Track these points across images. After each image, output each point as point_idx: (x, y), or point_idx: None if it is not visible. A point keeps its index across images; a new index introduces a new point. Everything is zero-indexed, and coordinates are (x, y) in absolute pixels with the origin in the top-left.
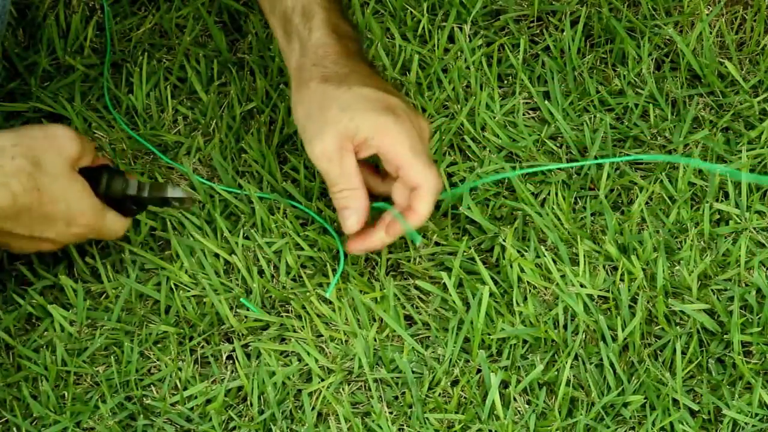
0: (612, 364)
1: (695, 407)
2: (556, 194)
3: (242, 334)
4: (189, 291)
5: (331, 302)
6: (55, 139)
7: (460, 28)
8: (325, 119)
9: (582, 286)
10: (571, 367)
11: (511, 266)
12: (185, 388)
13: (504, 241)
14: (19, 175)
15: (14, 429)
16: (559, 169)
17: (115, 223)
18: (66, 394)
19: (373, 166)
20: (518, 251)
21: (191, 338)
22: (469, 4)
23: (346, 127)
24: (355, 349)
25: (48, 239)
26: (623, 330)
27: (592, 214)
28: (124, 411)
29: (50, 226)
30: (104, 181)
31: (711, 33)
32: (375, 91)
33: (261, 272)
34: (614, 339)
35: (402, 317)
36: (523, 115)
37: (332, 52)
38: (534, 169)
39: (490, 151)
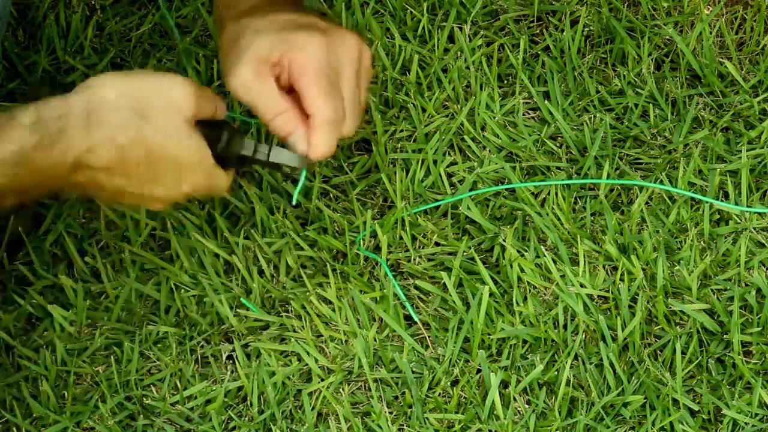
0: (612, 364)
1: (695, 407)
2: (556, 194)
3: (242, 334)
4: (189, 291)
5: (331, 302)
6: (168, 91)
7: (460, 28)
8: (239, 48)
9: (582, 286)
10: (571, 367)
11: (511, 266)
12: (185, 388)
13: (504, 241)
14: (125, 128)
15: (14, 429)
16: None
17: (221, 180)
18: (66, 394)
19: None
20: (518, 251)
21: (191, 338)
22: (469, 4)
23: (258, 48)
24: (355, 349)
25: (157, 198)
26: (623, 330)
27: (592, 214)
28: (124, 411)
29: (159, 183)
30: (224, 139)
31: (711, 33)
32: (290, 14)
33: (261, 272)
34: (614, 339)
35: (402, 317)
36: (523, 115)
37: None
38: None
39: (490, 151)
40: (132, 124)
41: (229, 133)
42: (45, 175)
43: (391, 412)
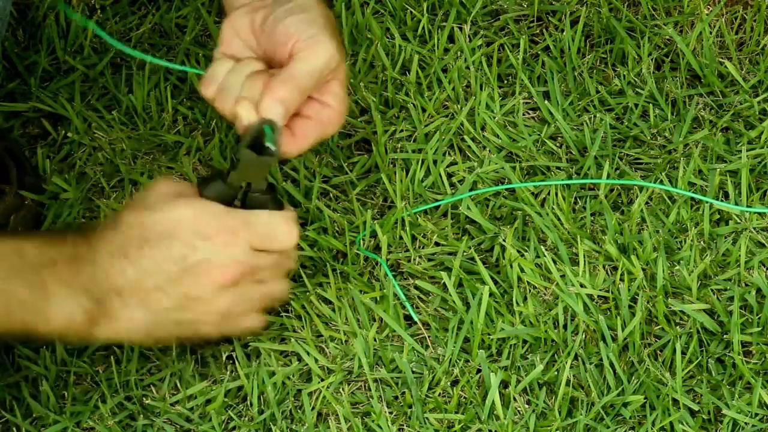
0: (612, 364)
1: (695, 407)
2: (556, 194)
3: None
4: None
5: (331, 302)
6: (171, 203)
7: (460, 28)
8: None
9: (582, 286)
10: (571, 367)
11: (511, 266)
12: (186, 389)
13: (504, 241)
14: (165, 264)
15: (14, 429)
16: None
17: (261, 215)
18: (66, 394)
19: None
20: (518, 251)
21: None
22: (469, 4)
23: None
24: (355, 349)
25: (201, 261)
26: (623, 330)
27: (592, 214)
28: (124, 411)
29: (183, 249)
30: (204, 190)
31: (711, 33)
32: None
33: None
34: (614, 339)
35: (402, 317)
36: (523, 115)
37: None
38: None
39: (489, 151)
40: (171, 258)
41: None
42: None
43: (391, 412)
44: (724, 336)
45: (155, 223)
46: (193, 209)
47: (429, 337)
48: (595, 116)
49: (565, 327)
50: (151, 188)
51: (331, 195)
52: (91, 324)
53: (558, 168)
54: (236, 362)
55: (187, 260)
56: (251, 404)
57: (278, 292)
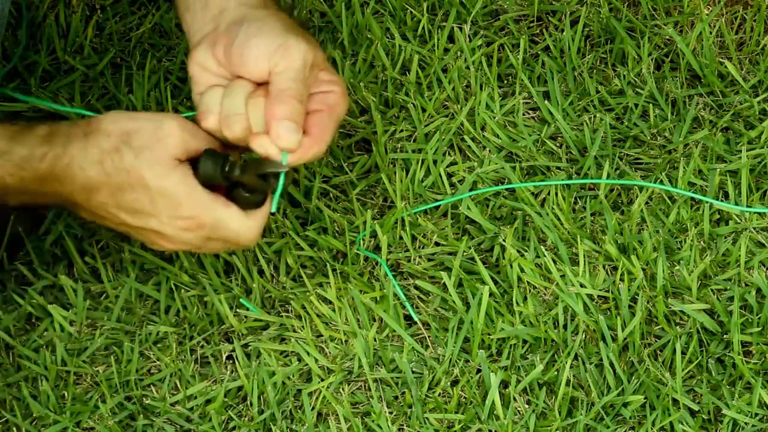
0: (612, 364)
1: (695, 407)
2: (556, 194)
3: (242, 334)
4: (189, 291)
5: (331, 302)
6: (157, 127)
7: (460, 28)
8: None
9: (582, 286)
10: (571, 367)
11: (511, 266)
12: (186, 389)
13: (504, 241)
14: (110, 153)
15: (14, 429)
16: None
17: (234, 221)
18: (66, 394)
19: None
20: (518, 251)
21: (191, 338)
22: (469, 4)
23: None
24: (355, 349)
25: (155, 231)
26: (623, 330)
27: (592, 214)
28: (124, 411)
29: (151, 215)
30: (200, 163)
31: (711, 33)
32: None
33: (261, 272)
34: (614, 339)
35: (402, 317)
36: (523, 115)
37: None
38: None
39: (490, 151)
40: (117, 152)
41: (204, 156)
42: (48, 184)
43: (391, 412)
44: (724, 336)
45: (141, 177)
46: (179, 188)
47: (429, 337)
48: (595, 116)
49: (565, 327)
50: (165, 131)
51: (331, 195)
52: (50, 168)
53: (558, 168)
54: (236, 362)
55: (146, 222)
56: (251, 404)
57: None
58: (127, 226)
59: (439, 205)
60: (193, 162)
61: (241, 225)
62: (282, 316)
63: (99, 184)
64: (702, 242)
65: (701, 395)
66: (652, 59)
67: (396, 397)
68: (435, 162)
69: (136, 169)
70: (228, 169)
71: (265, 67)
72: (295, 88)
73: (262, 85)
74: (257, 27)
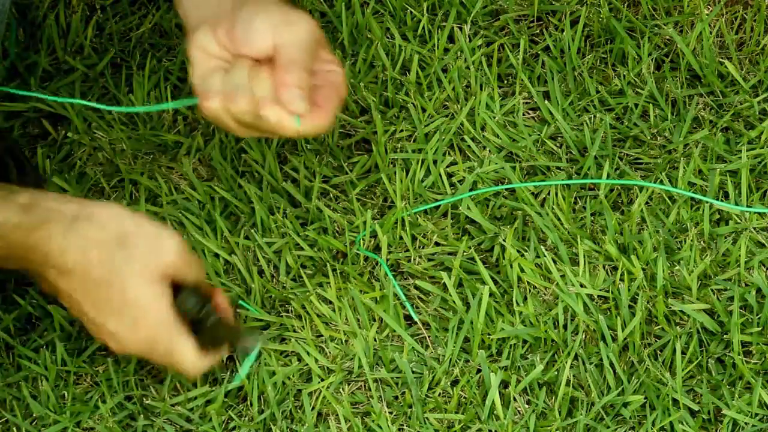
0: (612, 364)
1: (695, 407)
2: (556, 194)
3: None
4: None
5: (331, 302)
6: (157, 239)
7: (460, 28)
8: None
9: (582, 286)
10: (571, 367)
11: (511, 266)
12: (188, 390)
13: (504, 241)
14: (100, 247)
15: (14, 429)
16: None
17: (188, 353)
18: (66, 394)
19: None
20: (518, 251)
21: None
22: (469, 4)
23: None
24: (355, 349)
25: (109, 333)
26: (623, 330)
27: (592, 214)
28: (124, 411)
29: (113, 317)
30: (181, 296)
31: (711, 33)
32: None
33: (261, 272)
34: (614, 339)
35: (402, 317)
36: (523, 115)
37: None
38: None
39: (490, 151)
40: (107, 248)
41: (187, 292)
42: (17, 254)
43: (391, 412)
44: (724, 336)
45: (122, 282)
46: (153, 304)
47: (429, 337)
48: (595, 116)
49: (565, 327)
50: (164, 248)
51: (331, 195)
52: (28, 232)
53: (558, 168)
54: (236, 362)
55: (106, 321)
56: (251, 404)
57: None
58: (85, 315)
59: (439, 205)
60: (174, 288)
61: (194, 361)
62: (282, 316)
63: (75, 270)
64: (702, 242)
65: (701, 395)
66: (652, 59)
67: (396, 397)
68: (435, 162)
69: (122, 273)
70: (204, 314)
71: (269, 40)
72: (303, 59)
73: (262, 63)
74: (257, 8)
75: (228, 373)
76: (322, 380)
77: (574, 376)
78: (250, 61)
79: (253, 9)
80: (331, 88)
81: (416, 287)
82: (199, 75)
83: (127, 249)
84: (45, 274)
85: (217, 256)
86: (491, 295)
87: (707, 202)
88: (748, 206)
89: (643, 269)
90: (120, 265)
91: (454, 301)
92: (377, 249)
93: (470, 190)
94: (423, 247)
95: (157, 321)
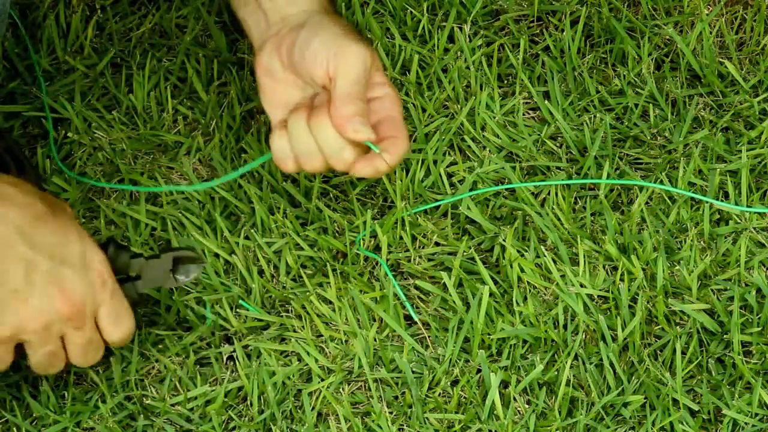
0: (612, 364)
1: (695, 407)
2: (556, 194)
3: (242, 334)
4: (189, 291)
5: (331, 302)
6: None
7: (460, 28)
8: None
9: (582, 286)
10: (571, 367)
11: (511, 266)
12: (188, 390)
13: (504, 241)
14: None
15: (14, 429)
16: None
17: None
18: (66, 394)
19: None
20: (518, 251)
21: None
22: (469, 4)
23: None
24: (355, 349)
25: (48, 279)
26: (623, 330)
27: (592, 214)
28: (124, 411)
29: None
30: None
31: (711, 33)
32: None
33: (261, 272)
34: (614, 339)
35: (402, 317)
36: (523, 115)
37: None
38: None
39: (490, 151)
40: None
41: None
42: None
43: (391, 412)
44: (724, 336)
45: (76, 227)
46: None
47: (429, 337)
48: (595, 116)
49: (565, 327)
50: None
51: (331, 195)
52: None
53: (558, 168)
54: (236, 362)
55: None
56: (251, 404)
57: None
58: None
59: (439, 205)
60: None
61: (127, 317)
62: (282, 316)
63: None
64: (702, 242)
65: (701, 395)
66: (652, 59)
67: (396, 397)
68: (435, 162)
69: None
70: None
71: (324, 70)
72: (357, 91)
73: (315, 103)
74: (316, 30)
75: (228, 372)
76: (322, 380)
77: (574, 376)
78: (304, 111)
79: (311, 32)
80: (391, 115)
81: (416, 287)
82: (267, 101)
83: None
84: None
85: (217, 256)
86: (491, 295)
87: (707, 202)
88: (748, 206)
89: (643, 269)
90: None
91: (454, 301)
92: (377, 249)
93: (470, 190)
94: (423, 247)
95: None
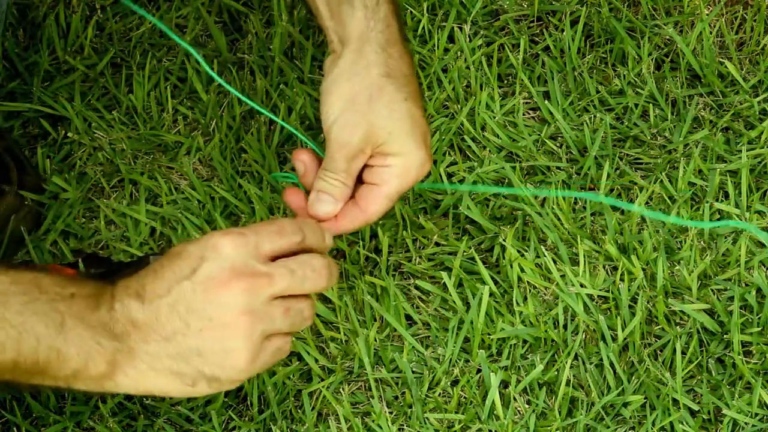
0: (612, 364)
1: (695, 407)
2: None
3: None
4: None
5: (331, 302)
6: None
7: (460, 28)
8: (366, 115)
9: (582, 286)
10: (571, 367)
11: (511, 266)
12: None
13: (504, 241)
14: (176, 354)
15: (14, 429)
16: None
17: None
18: (66, 394)
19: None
20: (518, 251)
21: None
22: (469, 4)
23: (378, 136)
24: (355, 349)
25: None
26: (623, 330)
27: (592, 214)
28: (124, 411)
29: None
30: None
31: (711, 33)
32: (422, 118)
33: None
34: (614, 339)
35: (403, 316)
36: (523, 115)
37: (395, 40)
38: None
39: (490, 151)
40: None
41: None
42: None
43: (391, 412)
44: (724, 336)
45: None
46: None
47: (429, 336)
48: (595, 116)
49: (565, 327)
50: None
51: None
52: (112, 366)
53: (558, 168)
54: None
55: (196, 272)
56: (251, 404)
57: (302, 312)
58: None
59: (439, 205)
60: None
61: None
62: None
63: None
64: (702, 242)
65: (701, 395)
66: (652, 59)
67: (396, 397)
68: (435, 162)
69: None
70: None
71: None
72: (343, 169)
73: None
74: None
75: None
76: (322, 380)
77: (574, 376)
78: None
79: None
80: (378, 188)
81: (416, 287)
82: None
83: (180, 254)
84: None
85: None
86: (491, 295)
87: (707, 202)
88: (748, 206)
89: (643, 269)
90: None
91: (454, 301)
92: (377, 251)
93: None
94: (423, 247)
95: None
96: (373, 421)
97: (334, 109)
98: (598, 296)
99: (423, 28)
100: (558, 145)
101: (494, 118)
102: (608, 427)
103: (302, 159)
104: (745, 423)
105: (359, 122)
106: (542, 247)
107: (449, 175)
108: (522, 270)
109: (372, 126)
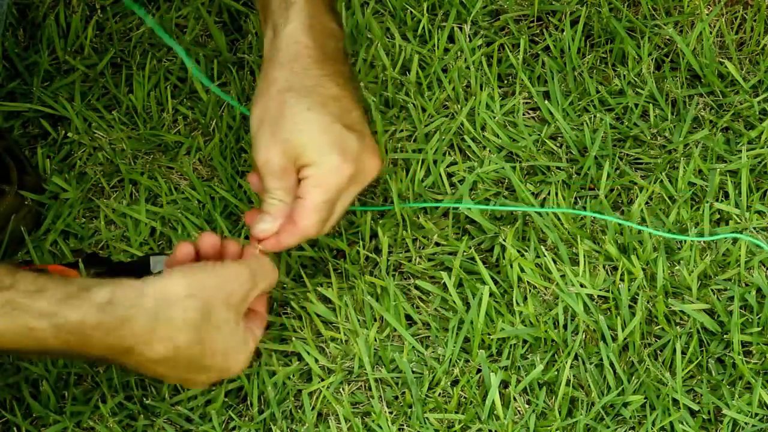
0: (612, 364)
1: (695, 407)
2: (556, 194)
3: None
4: None
5: (331, 302)
6: (227, 287)
7: (460, 28)
8: (275, 133)
9: (582, 286)
10: (571, 367)
11: (511, 266)
12: (188, 390)
13: (504, 241)
14: (187, 330)
15: (14, 429)
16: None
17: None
18: (66, 394)
19: None
20: (518, 251)
21: None
22: (469, 4)
23: (294, 150)
24: (355, 349)
25: (199, 382)
26: (623, 330)
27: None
28: (124, 411)
29: (203, 373)
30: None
31: (711, 33)
32: (333, 123)
33: None
34: (614, 339)
35: (403, 316)
36: (523, 115)
37: (305, 54)
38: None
39: (490, 151)
40: (194, 328)
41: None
42: (93, 349)
43: (391, 412)
44: (724, 336)
45: (204, 352)
46: (242, 351)
47: (429, 336)
48: (595, 116)
49: (565, 327)
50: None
51: None
52: (114, 328)
53: (558, 168)
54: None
55: (192, 381)
56: (251, 404)
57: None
58: (165, 378)
59: (439, 206)
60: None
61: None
62: (282, 316)
63: (163, 358)
64: (702, 242)
65: (701, 395)
66: (652, 59)
67: (396, 397)
68: (435, 162)
69: (211, 340)
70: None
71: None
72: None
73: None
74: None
75: None
76: (322, 380)
77: (574, 376)
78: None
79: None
80: (304, 200)
81: (416, 287)
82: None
83: (209, 317)
84: (122, 360)
85: None
86: (491, 295)
87: (707, 202)
88: (748, 206)
89: (643, 269)
90: (208, 335)
91: (454, 301)
92: (377, 251)
93: (470, 190)
94: (423, 247)
95: (244, 360)
96: (373, 421)
97: (252, 131)
98: (598, 296)
99: (423, 28)
100: (558, 145)
101: (494, 118)
102: (608, 427)
103: (251, 181)
104: (745, 423)
105: (272, 142)
106: (542, 247)
107: (449, 175)
108: (522, 270)
109: (285, 143)
